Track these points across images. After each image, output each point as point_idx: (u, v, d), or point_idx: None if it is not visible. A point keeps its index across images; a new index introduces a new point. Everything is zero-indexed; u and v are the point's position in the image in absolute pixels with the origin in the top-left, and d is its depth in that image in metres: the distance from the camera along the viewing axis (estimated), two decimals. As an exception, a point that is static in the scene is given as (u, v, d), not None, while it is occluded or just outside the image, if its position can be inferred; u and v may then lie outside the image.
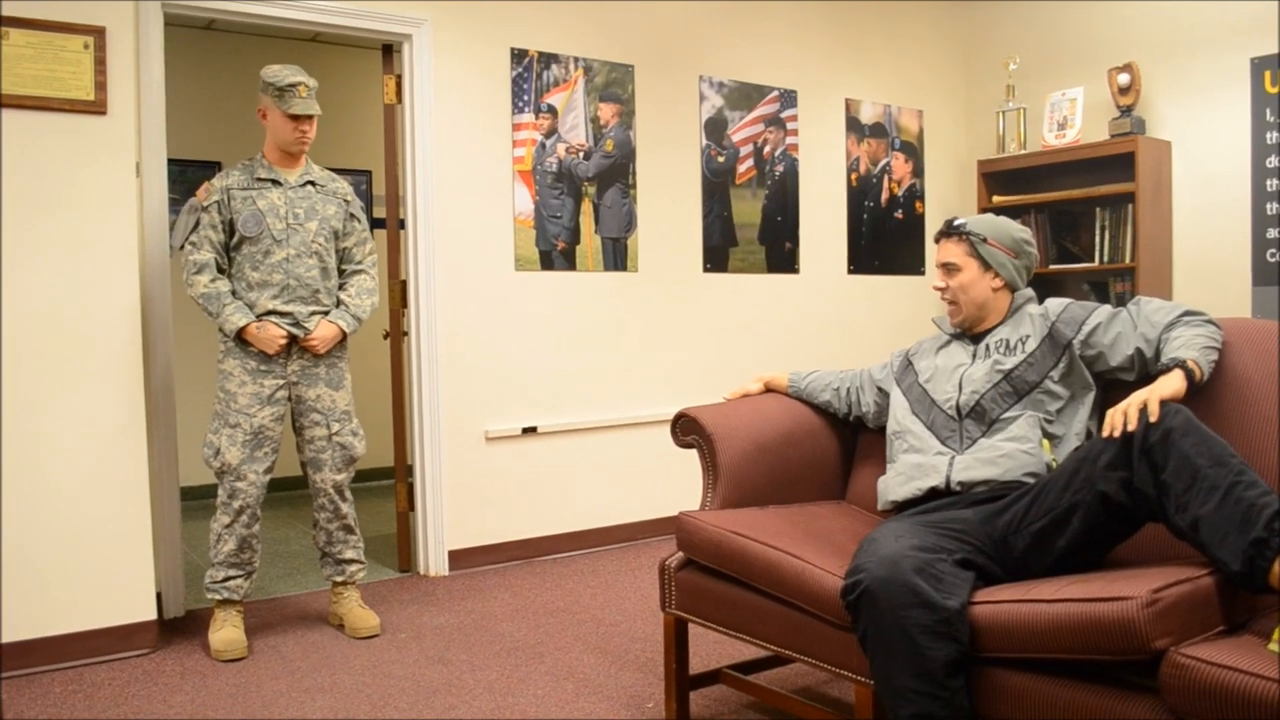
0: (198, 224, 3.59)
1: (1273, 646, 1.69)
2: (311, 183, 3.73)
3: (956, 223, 2.68)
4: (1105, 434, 2.07)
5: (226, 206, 3.60)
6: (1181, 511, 1.90)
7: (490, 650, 3.55)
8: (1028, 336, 2.57)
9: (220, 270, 3.63)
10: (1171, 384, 2.14)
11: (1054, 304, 2.62)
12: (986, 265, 2.64)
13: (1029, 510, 2.17)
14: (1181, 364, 2.21)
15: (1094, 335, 2.49)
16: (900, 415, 2.72)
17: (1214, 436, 1.95)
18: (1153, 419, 1.99)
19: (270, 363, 3.62)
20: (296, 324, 3.63)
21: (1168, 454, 1.93)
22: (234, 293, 3.61)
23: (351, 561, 3.87)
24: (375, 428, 6.46)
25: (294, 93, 3.60)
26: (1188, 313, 2.41)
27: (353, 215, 3.82)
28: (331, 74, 6.99)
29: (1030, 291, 2.71)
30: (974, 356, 2.64)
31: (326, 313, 3.71)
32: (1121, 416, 2.05)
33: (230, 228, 3.61)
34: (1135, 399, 2.07)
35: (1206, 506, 1.86)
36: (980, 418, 2.51)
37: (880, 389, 2.95)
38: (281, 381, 3.65)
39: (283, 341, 3.60)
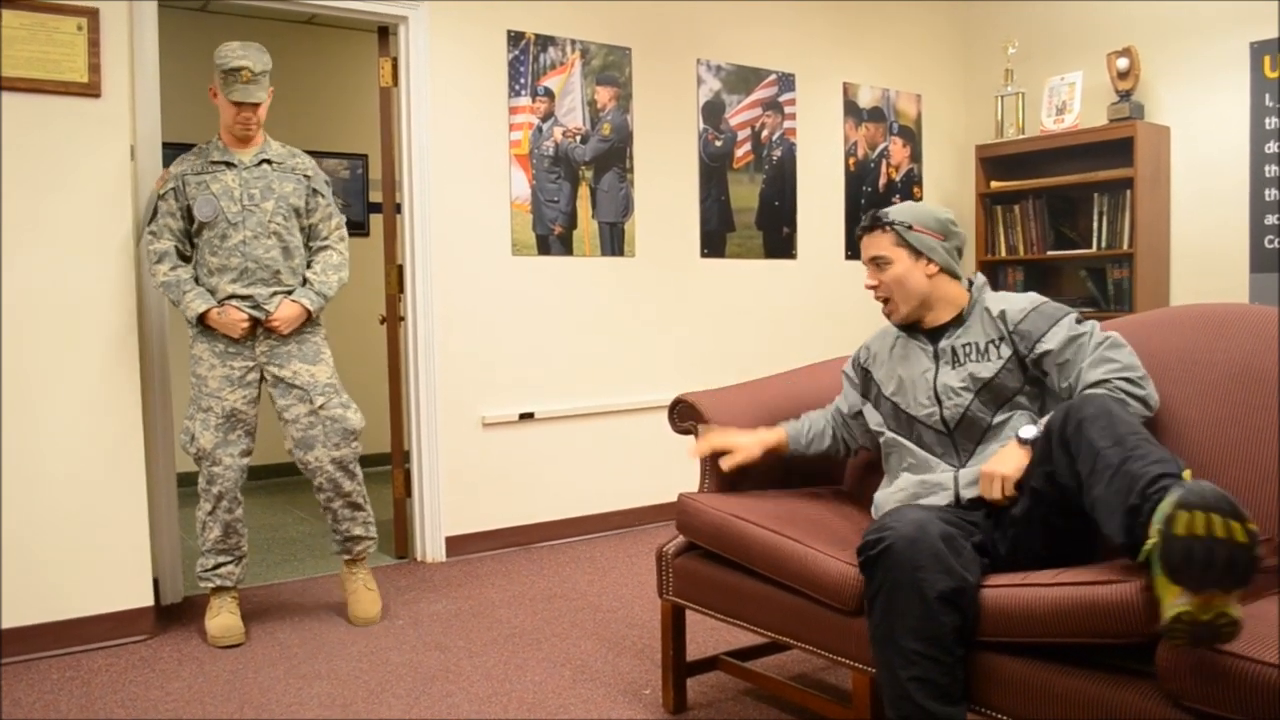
0: (156, 212, 3.57)
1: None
2: (267, 161, 3.67)
3: (876, 214, 2.58)
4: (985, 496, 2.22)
5: (182, 193, 3.57)
6: (1087, 496, 1.90)
7: (488, 637, 3.56)
8: (998, 340, 2.45)
9: (184, 258, 3.61)
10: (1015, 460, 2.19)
11: (1014, 308, 2.46)
12: (918, 253, 2.53)
13: (1004, 518, 2.20)
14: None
15: (1044, 360, 2.38)
16: (880, 427, 2.63)
17: (1123, 417, 1.93)
18: (1008, 497, 2.16)
19: (238, 345, 3.60)
20: (257, 306, 3.59)
21: (1080, 443, 1.93)
22: (196, 279, 3.59)
23: (359, 539, 3.82)
24: (372, 413, 6.44)
25: (237, 78, 3.52)
26: (1126, 378, 2.26)
27: (315, 191, 3.74)
28: (327, 56, 6.97)
29: (982, 279, 2.60)
30: (938, 359, 2.51)
31: (290, 292, 3.66)
32: (997, 489, 2.18)
33: (189, 214, 3.58)
34: (997, 479, 2.18)
35: (1099, 487, 1.85)
36: (970, 430, 2.43)
37: (856, 418, 2.78)
38: (251, 363, 3.62)
39: (244, 325, 3.56)
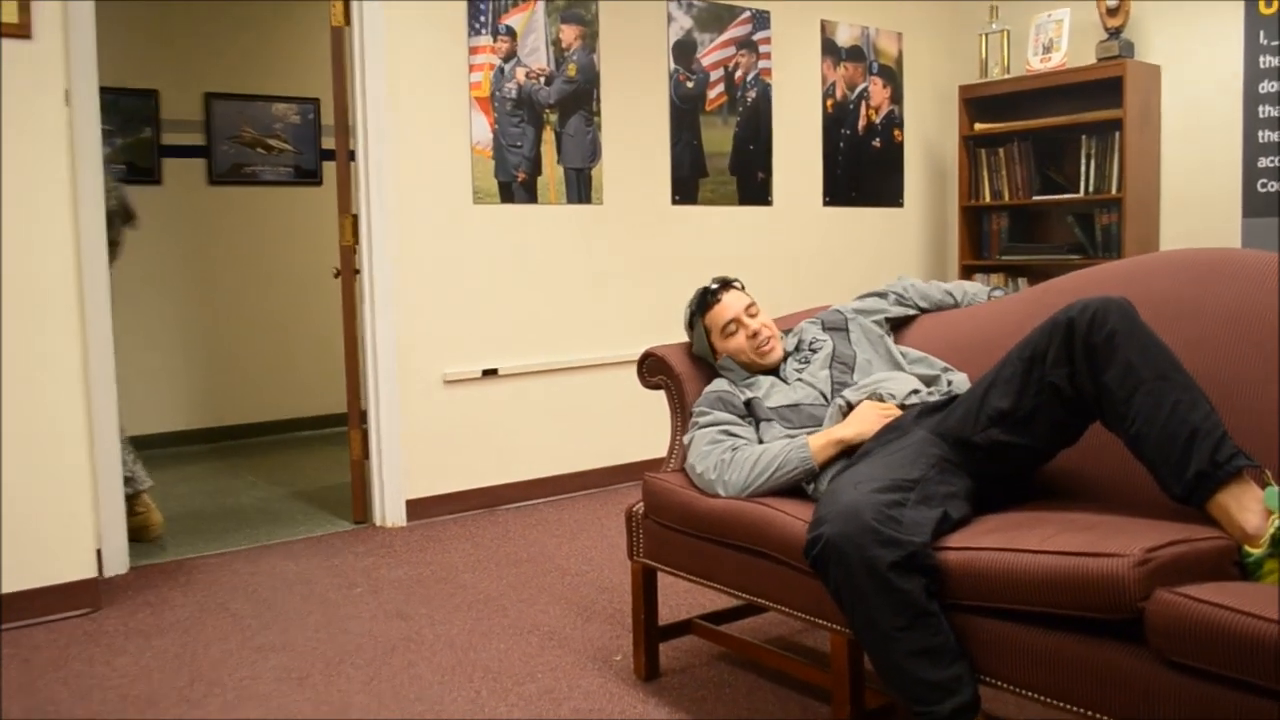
0: None
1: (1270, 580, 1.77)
2: None
3: (722, 279, 3.01)
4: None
5: None
6: (1123, 420, 1.98)
7: (451, 603, 3.55)
8: (814, 338, 2.88)
9: None
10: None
11: (810, 325, 2.97)
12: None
13: (980, 410, 2.19)
14: None
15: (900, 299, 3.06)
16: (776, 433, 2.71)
17: (1155, 341, 2.00)
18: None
19: None
20: None
21: (1111, 357, 1.99)
22: None
23: None
24: (327, 371, 6.40)
25: None
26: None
27: None
28: (274, -5, 6.85)
29: None
30: (791, 376, 2.82)
31: None
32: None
33: None
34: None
35: (1151, 426, 1.93)
36: (842, 374, 2.75)
37: (744, 416, 2.80)
38: None
39: None
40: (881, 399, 2.55)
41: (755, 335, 2.85)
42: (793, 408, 2.69)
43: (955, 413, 2.26)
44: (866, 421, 2.47)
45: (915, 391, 2.57)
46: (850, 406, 2.57)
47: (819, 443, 2.49)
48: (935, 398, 2.55)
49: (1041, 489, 2.36)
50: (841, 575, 2.03)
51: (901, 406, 2.52)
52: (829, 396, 2.69)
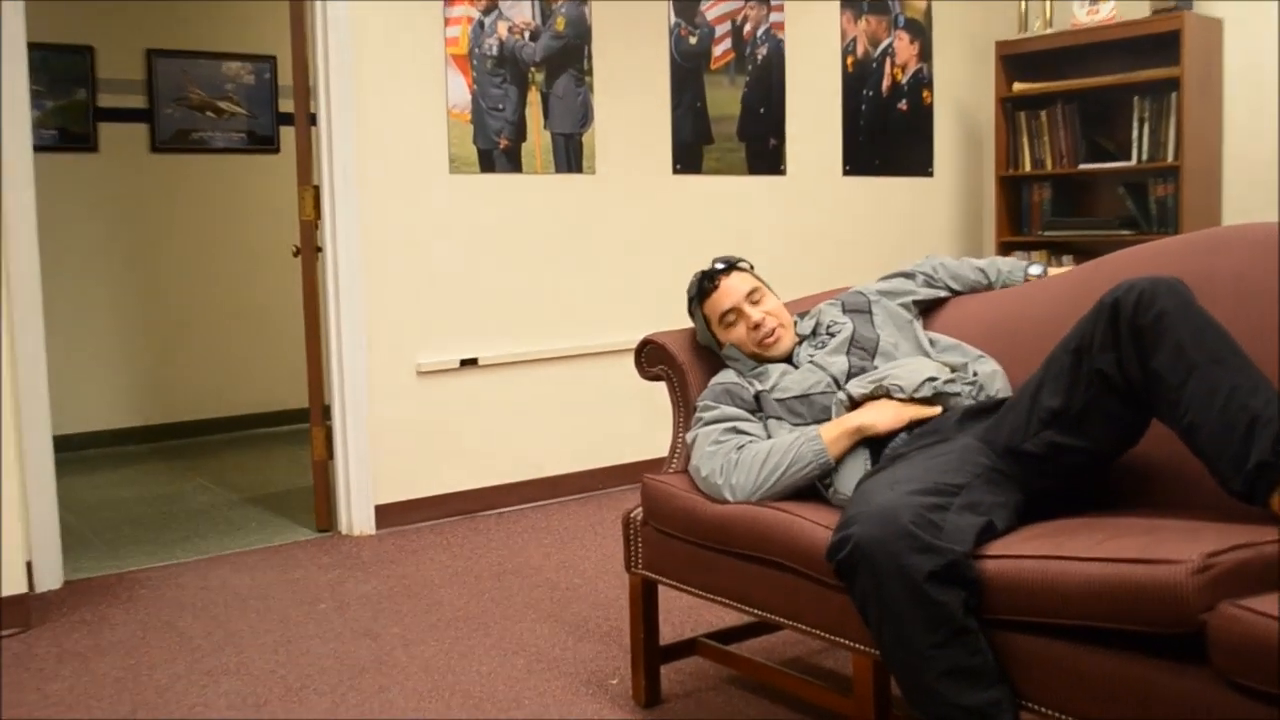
0: None
1: None
2: None
3: (725, 259, 2.97)
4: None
5: None
6: (1175, 409, 1.98)
7: (426, 621, 3.56)
8: (833, 321, 2.84)
9: None
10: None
11: (830, 307, 2.93)
12: (768, 286, 2.95)
13: (1031, 413, 2.19)
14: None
15: (932, 279, 3.04)
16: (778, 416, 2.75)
17: (1210, 322, 2.00)
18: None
19: None
20: None
21: (1159, 340, 1.98)
22: None
23: None
24: (286, 362, 6.40)
25: None
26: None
27: None
28: (225, -61, 6.83)
29: None
30: (804, 361, 2.80)
31: None
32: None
33: None
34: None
35: (1206, 414, 1.93)
36: (864, 371, 2.70)
37: (754, 411, 2.82)
38: None
39: None
40: (889, 394, 2.54)
41: (758, 326, 2.81)
42: (802, 399, 2.68)
43: (1004, 421, 2.25)
44: (883, 415, 2.47)
45: (930, 380, 2.54)
46: (854, 402, 2.57)
47: (831, 434, 2.50)
48: (955, 386, 2.54)
49: (1100, 499, 2.34)
50: (870, 584, 2.02)
51: (925, 400, 2.51)
52: (843, 384, 2.67)
